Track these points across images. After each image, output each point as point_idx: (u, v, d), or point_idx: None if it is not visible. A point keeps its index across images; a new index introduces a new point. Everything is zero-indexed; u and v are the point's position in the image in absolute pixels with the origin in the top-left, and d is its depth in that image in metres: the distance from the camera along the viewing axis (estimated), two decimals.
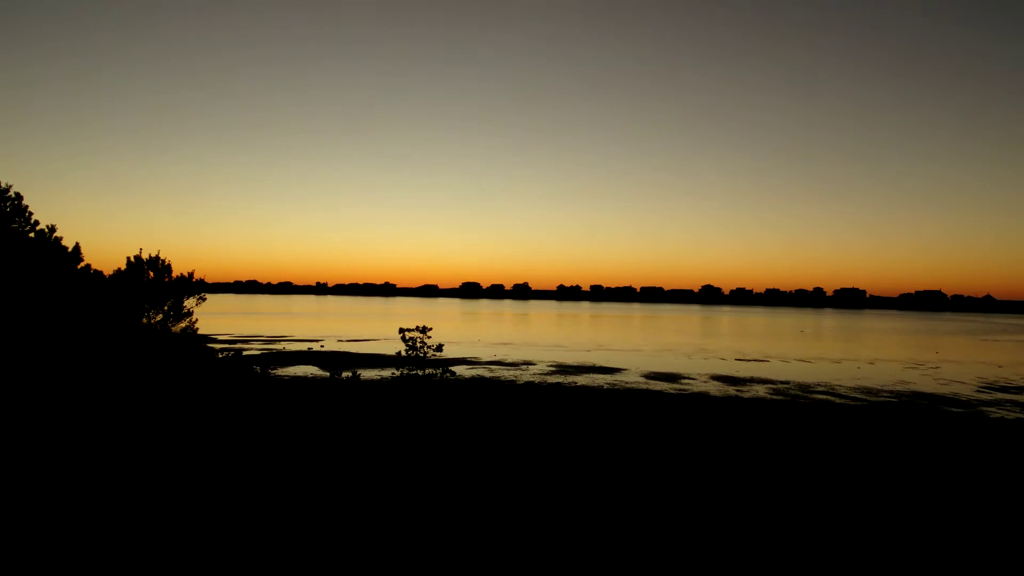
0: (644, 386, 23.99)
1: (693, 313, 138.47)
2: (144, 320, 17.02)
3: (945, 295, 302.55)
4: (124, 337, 15.05)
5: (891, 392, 24.12)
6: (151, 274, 17.27)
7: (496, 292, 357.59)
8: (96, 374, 12.80)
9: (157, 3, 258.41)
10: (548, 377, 26.12)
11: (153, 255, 17.44)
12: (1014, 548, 6.72)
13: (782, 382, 26.39)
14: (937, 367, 35.16)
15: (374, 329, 58.17)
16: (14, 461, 8.07)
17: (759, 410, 17.62)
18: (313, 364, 28.14)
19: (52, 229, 15.55)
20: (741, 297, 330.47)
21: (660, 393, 21.59)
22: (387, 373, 23.38)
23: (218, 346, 32.85)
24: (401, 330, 16.31)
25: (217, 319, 65.39)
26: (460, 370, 27.03)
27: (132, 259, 17.24)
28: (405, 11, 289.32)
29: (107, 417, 10.61)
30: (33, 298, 13.93)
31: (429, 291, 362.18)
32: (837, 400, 21.65)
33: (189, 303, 17.69)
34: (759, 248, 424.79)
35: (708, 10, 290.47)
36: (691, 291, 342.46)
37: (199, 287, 17.90)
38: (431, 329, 16.68)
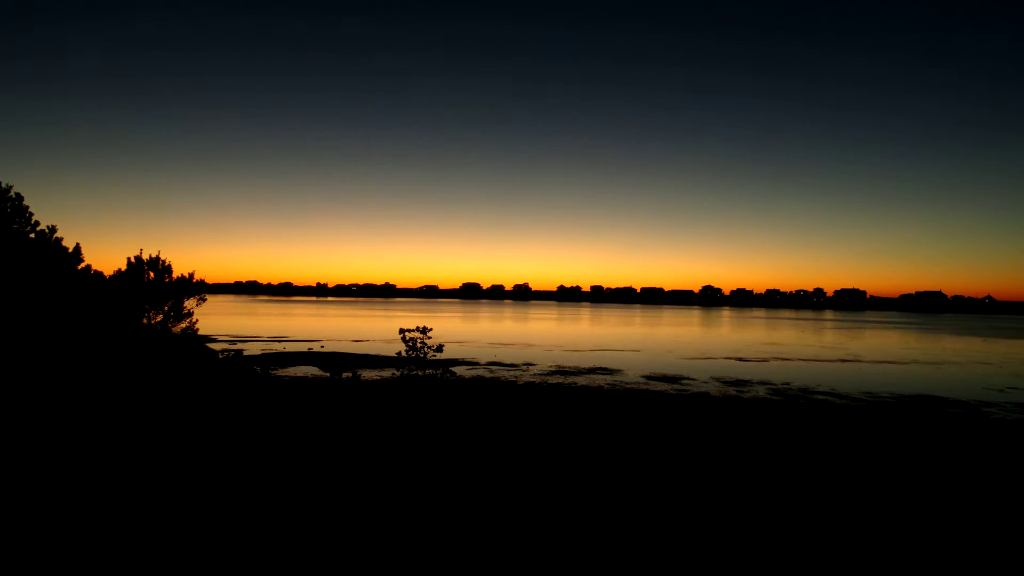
0: (644, 387, 23.99)
1: (693, 314, 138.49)
2: (144, 321, 17.03)
3: (945, 296, 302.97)
4: (124, 338, 15.06)
5: (891, 393, 24.12)
6: (151, 275, 17.28)
7: (496, 293, 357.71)
8: (97, 375, 12.81)
9: (159, 3, 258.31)
10: (548, 378, 26.12)
11: (153, 255, 17.46)
12: (1014, 548, 6.72)
13: (782, 383, 26.40)
14: (937, 368, 35.16)
15: (374, 329, 58.19)
16: (15, 461, 8.07)
17: (759, 411, 17.62)
18: (313, 364, 28.14)
19: (53, 229, 15.57)
20: (741, 298, 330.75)
21: (661, 394, 21.59)
22: (387, 373, 23.38)
23: (218, 346, 32.87)
24: (401, 330, 16.31)
25: (217, 319, 65.40)
26: (460, 370, 27.05)
27: (132, 259, 17.25)
28: (400, 12, 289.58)
29: (108, 418, 10.61)
30: (34, 299, 13.94)
31: (429, 292, 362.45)
32: (837, 401, 21.65)
33: (189, 304, 17.70)
34: (759, 248, 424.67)
35: (704, 12, 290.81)
36: (691, 292, 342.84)
37: (199, 288, 17.92)
38: (431, 329, 16.68)
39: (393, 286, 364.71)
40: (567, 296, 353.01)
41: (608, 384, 24.39)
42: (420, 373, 16.30)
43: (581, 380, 25.53)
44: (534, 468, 9.15)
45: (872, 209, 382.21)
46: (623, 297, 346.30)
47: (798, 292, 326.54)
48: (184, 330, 17.36)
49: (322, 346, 39.16)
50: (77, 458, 8.38)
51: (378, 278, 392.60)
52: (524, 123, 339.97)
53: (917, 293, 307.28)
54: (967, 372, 33.34)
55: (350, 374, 18.47)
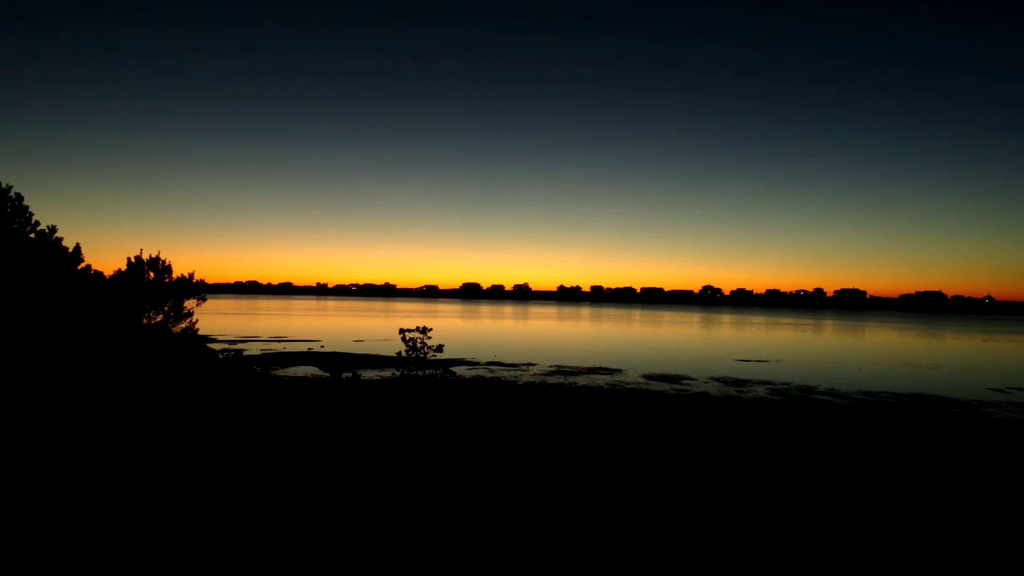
0: (644, 386, 23.98)
1: (693, 314, 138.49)
2: (144, 321, 17.02)
3: (945, 296, 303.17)
4: (125, 338, 15.06)
5: (891, 393, 24.12)
6: (151, 275, 17.27)
7: (496, 293, 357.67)
8: (97, 375, 12.81)
9: (159, 6, 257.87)
10: (548, 377, 26.12)
11: (153, 255, 17.46)
12: (1015, 548, 6.72)
13: (782, 383, 26.39)
14: (937, 368, 35.15)
15: (374, 329, 58.18)
16: (15, 461, 8.07)
17: (759, 411, 17.62)
18: (313, 364, 28.14)
19: (53, 229, 15.57)
20: (741, 298, 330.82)
21: (661, 394, 21.59)
22: (387, 373, 23.38)
23: (218, 346, 32.85)
24: (401, 330, 16.33)
25: (217, 319, 65.40)
26: (460, 370, 27.04)
27: (132, 260, 17.25)
28: (401, 16, 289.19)
29: (108, 417, 10.61)
30: (34, 299, 13.94)
31: (429, 292, 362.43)
32: (838, 401, 21.65)
33: (189, 304, 17.70)
34: (759, 248, 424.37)
35: (702, 15, 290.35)
36: (691, 292, 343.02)
37: (199, 288, 17.91)
38: (431, 329, 16.69)
39: (393, 286, 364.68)
40: (567, 296, 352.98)
41: (608, 384, 24.38)
42: (420, 373, 16.30)
43: (581, 380, 25.52)
44: (534, 468, 9.15)
45: (872, 209, 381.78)
46: (623, 297, 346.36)
47: (798, 292, 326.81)
48: (184, 330, 17.36)
49: (322, 346, 39.16)
50: (78, 458, 8.38)
51: (378, 278, 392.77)
52: (525, 123, 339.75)
53: (917, 293, 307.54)
54: (967, 372, 33.34)
55: (350, 374, 18.48)
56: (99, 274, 16.82)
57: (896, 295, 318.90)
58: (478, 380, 23.81)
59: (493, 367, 29.62)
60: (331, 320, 75.91)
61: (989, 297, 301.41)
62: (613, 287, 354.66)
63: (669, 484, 8.64)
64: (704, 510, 7.54)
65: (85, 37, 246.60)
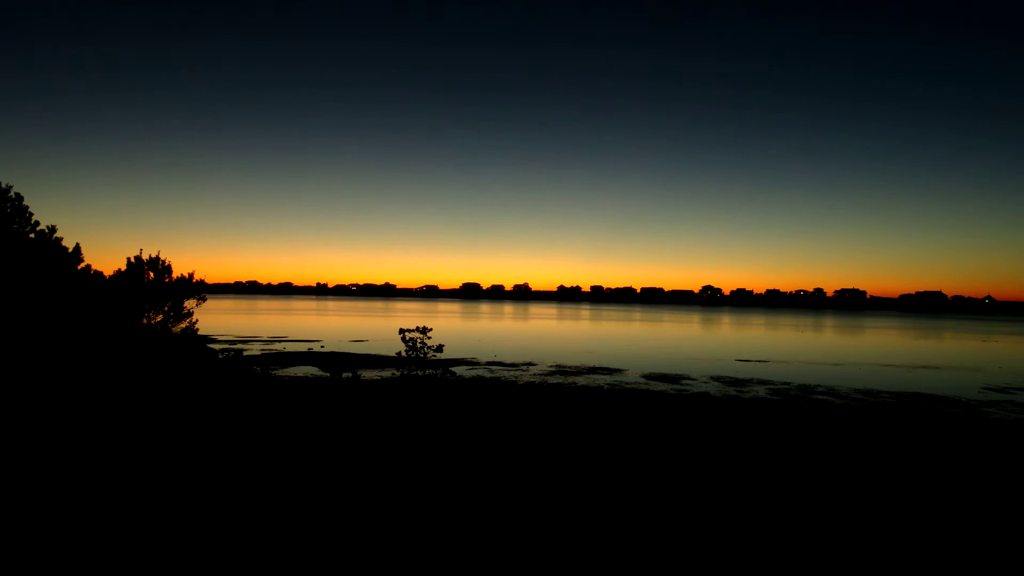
0: (644, 387, 23.99)
1: (693, 314, 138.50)
2: (144, 321, 17.02)
3: (945, 296, 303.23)
4: (124, 338, 15.06)
5: (891, 393, 24.12)
6: (151, 275, 17.27)
7: (496, 293, 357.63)
8: (97, 375, 12.81)
9: (159, 17, 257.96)
10: (548, 378, 26.11)
11: (153, 255, 17.46)
12: (1015, 549, 6.72)
13: (782, 383, 26.39)
14: (937, 368, 35.15)
15: (374, 329, 58.18)
16: (15, 461, 8.07)
17: (759, 411, 17.62)
18: (313, 364, 28.14)
19: (52, 229, 15.57)
20: (741, 298, 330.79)
21: (661, 394, 21.59)
22: (387, 373, 23.38)
23: (218, 346, 32.85)
24: (401, 331, 16.33)
25: (217, 319, 65.41)
26: (460, 370, 27.04)
27: (132, 260, 17.25)
28: (402, 23, 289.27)
29: (108, 418, 10.61)
30: (34, 299, 13.94)
31: (429, 292, 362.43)
32: (837, 401, 21.65)
33: (189, 304, 17.70)
34: (759, 248, 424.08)
35: (708, 8, 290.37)
36: (691, 292, 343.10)
37: (199, 288, 17.91)
38: (431, 330, 16.69)
39: (393, 286, 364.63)
40: (567, 296, 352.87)
41: (608, 384, 24.38)
42: (420, 373, 16.31)
43: (581, 380, 25.52)
44: (534, 469, 9.15)
45: (872, 209, 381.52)
46: (623, 297, 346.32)
47: (798, 292, 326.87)
48: (184, 330, 17.36)
49: (322, 346, 39.16)
50: (78, 458, 8.38)
51: (378, 278, 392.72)
52: (525, 126, 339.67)
53: (917, 293, 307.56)
54: (967, 372, 33.34)
55: (350, 374, 18.48)
56: (99, 274, 16.82)
57: (896, 295, 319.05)
58: (478, 380, 23.81)
59: (493, 367, 29.62)
60: (331, 320, 75.91)
61: (989, 297, 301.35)
62: (613, 287, 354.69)
63: (669, 484, 8.64)
64: (703, 510, 7.54)
65: (84, 52, 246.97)
